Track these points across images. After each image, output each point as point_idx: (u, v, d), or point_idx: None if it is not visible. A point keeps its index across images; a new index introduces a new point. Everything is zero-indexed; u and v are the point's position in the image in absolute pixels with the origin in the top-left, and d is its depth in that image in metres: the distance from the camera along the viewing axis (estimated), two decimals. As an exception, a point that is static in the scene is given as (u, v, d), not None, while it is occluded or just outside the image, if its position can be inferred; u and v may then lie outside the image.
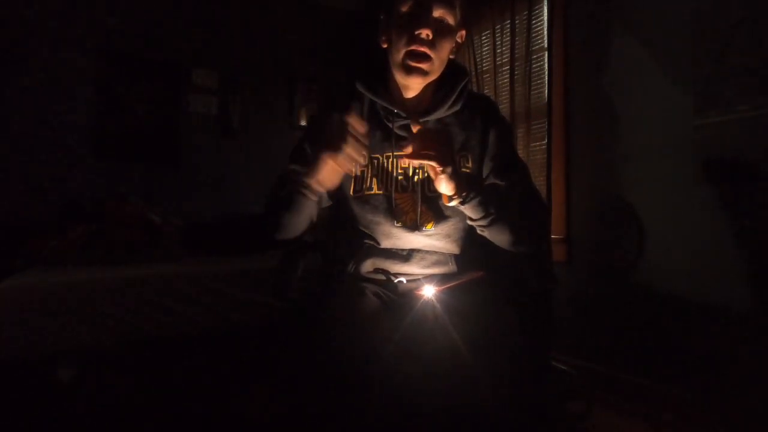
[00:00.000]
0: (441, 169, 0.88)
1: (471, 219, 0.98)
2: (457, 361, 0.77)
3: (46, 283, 1.59)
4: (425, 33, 0.94)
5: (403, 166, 1.02)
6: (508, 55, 2.46)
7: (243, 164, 3.08)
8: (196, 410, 1.64)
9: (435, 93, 1.07)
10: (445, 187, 0.91)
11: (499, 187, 1.02)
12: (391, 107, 1.03)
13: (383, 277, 1.03)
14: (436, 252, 1.03)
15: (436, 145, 0.87)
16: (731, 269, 1.58)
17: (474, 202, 0.93)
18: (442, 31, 0.97)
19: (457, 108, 1.05)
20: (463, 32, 1.05)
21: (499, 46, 2.53)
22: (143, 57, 2.76)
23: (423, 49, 0.95)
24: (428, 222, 1.01)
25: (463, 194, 0.92)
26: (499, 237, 0.98)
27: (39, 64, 2.46)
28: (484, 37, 2.68)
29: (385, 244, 1.03)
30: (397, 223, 1.01)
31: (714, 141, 1.62)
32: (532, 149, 2.38)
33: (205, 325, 1.76)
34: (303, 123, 3.32)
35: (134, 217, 2.20)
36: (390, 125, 1.04)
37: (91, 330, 1.58)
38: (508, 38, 2.46)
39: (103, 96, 2.63)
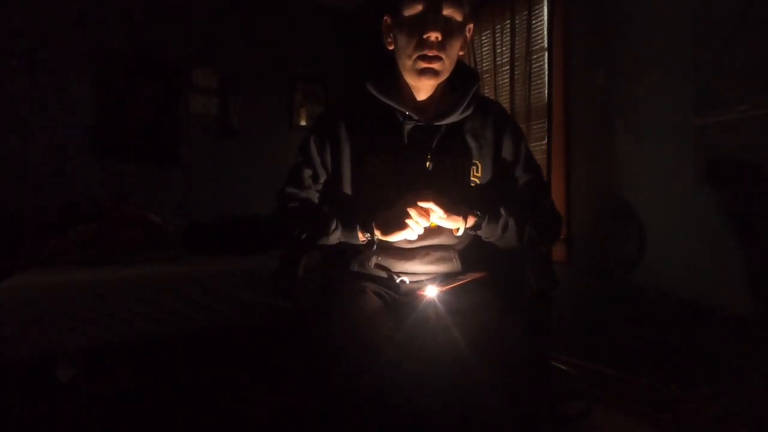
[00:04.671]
0: (444, 216, 0.91)
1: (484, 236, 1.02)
2: (458, 361, 0.77)
3: (46, 283, 1.59)
4: (434, 36, 0.92)
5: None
6: (508, 55, 2.46)
7: (243, 164, 3.08)
8: (196, 410, 1.64)
9: (447, 96, 1.06)
10: (450, 226, 0.95)
11: (509, 197, 1.04)
12: (403, 109, 1.02)
13: (386, 275, 1.03)
14: (440, 248, 1.03)
15: (434, 198, 0.90)
16: (731, 269, 1.58)
17: (482, 230, 0.98)
18: (451, 30, 0.94)
19: (469, 113, 1.05)
20: (471, 25, 1.03)
21: (499, 46, 2.53)
22: (143, 57, 2.76)
23: (433, 52, 0.94)
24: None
25: (468, 227, 0.96)
26: (508, 246, 1.02)
27: (39, 64, 2.46)
28: (484, 37, 2.68)
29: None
30: None
31: (714, 141, 1.62)
32: (532, 149, 2.38)
33: (205, 325, 1.76)
34: (303, 123, 3.32)
35: (134, 217, 2.20)
36: (401, 128, 1.03)
37: (91, 330, 1.58)
38: (508, 38, 2.46)
39: (103, 96, 2.63)
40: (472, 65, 2.67)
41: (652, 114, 1.82)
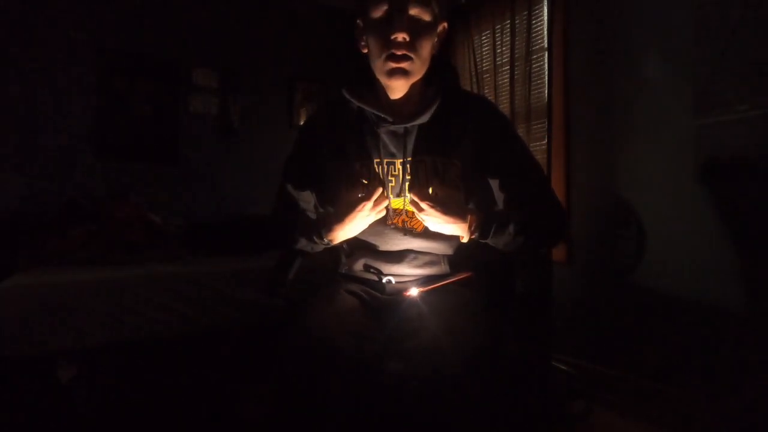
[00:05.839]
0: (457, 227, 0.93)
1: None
2: (437, 359, 0.77)
3: (46, 283, 1.59)
4: (401, 37, 0.91)
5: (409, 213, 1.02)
6: (508, 55, 2.46)
7: (243, 164, 3.07)
8: (196, 410, 1.65)
9: (422, 94, 1.04)
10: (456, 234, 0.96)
11: (508, 197, 1.01)
12: (377, 112, 1.01)
13: (374, 277, 1.03)
14: (429, 252, 1.02)
15: (448, 208, 0.92)
16: (731, 269, 1.58)
17: (488, 240, 0.96)
18: (419, 30, 0.93)
19: (445, 109, 1.02)
20: (445, 24, 1.02)
21: (499, 46, 2.53)
22: (143, 57, 2.76)
23: (401, 51, 0.93)
24: (418, 223, 1.00)
25: (472, 238, 0.95)
26: (510, 250, 1.00)
27: (39, 63, 2.46)
28: (484, 37, 2.68)
29: (379, 245, 1.03)
30: (389, 224, 1.01)
31: (714, 141, 1.62)
32: (532, 149, 2.38)
33: (205, 325, 1.76)
34: (302, 123, 3.32)
35: (134, 217, 2.20)
36: (377, 131, 1.02)
37: (91, 330, 1.58)
38: (508, 38, 2.46)
39: (103, 96, 2.63)
40: (472, 65, 2.67)
41: (652, 114, 1.82)
